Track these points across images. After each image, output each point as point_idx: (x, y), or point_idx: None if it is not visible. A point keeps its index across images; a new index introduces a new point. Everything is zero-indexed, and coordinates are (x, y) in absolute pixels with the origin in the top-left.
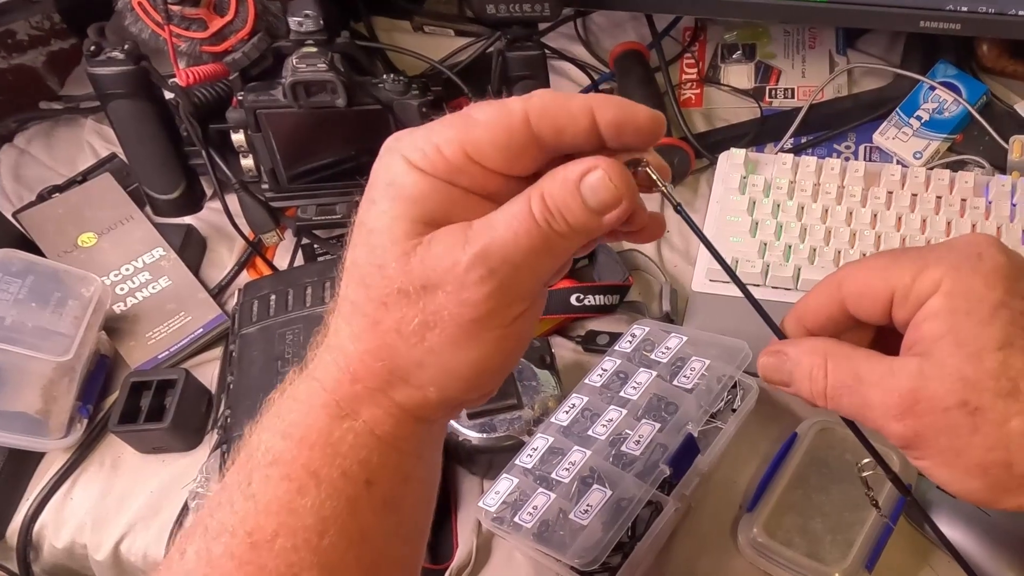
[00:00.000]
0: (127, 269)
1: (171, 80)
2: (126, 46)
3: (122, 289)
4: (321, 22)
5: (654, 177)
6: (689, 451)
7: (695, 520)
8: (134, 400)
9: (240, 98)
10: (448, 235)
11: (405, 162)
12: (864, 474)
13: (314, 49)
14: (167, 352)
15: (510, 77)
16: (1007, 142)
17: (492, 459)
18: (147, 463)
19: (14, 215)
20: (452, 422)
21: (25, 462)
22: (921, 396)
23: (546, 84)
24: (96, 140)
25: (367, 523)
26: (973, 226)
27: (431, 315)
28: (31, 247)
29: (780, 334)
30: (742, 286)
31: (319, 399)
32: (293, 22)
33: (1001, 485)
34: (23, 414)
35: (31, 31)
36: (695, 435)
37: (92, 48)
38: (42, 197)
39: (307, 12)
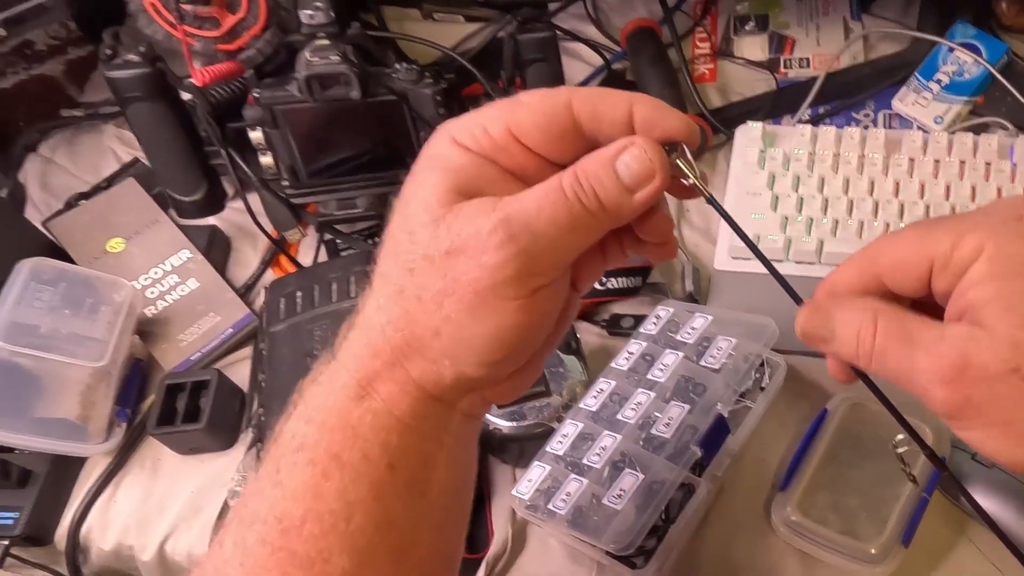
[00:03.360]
0: (156, 272)
1: (187, 80)
2: (141, 48)
3: (152, 292)
4: (332, 14)
5: (684, 168)
6: (719, 432)
7: (728, 501)
8: (170, 402)
9: (256, 95)
10: (478, 204)
11: (450, 139)
12: (899, 450)
13: (327, 42)
14: (199, 353)
15: (522, 61)
16: None
17: (523, 447)
18: (186, 463)
19: (44, 224)
20: None
21: (69, 467)
22: (971, 362)
23: (558, 66)
24: (118, 145)
25: (392, 508)
26: (999, 190)
27: (451, 281)
28: (62, 255)
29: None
30: (773, 269)
31: (340, 380)
32: (304, 15)
33: None
34: (64, 420)
35: (48, 41)
36: (725, 415)
37: (108, 52)
38: (69, 205)
39: (317, 4)
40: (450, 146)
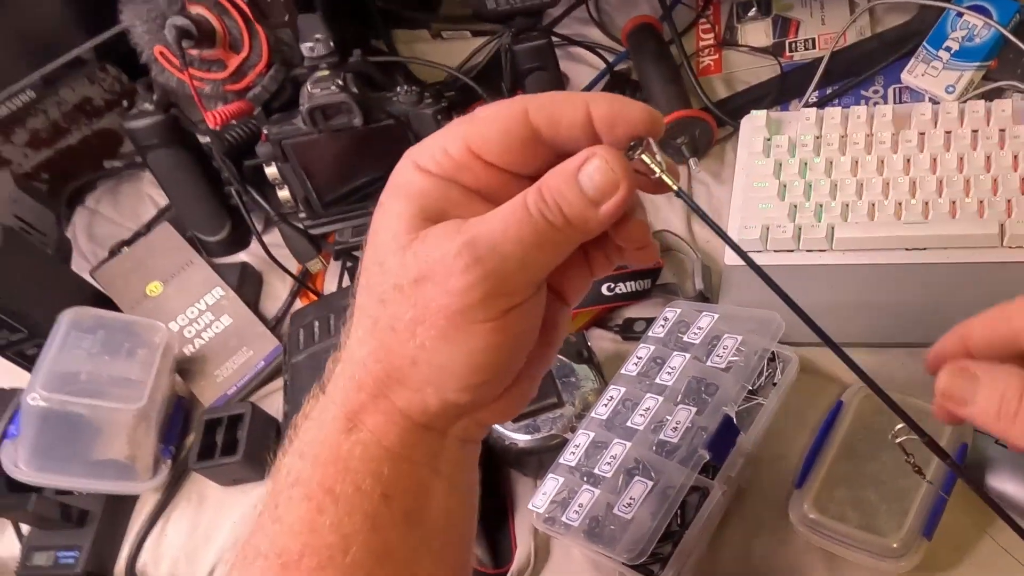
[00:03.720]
0: (192, 312)
1: (202, 124)
2: (155, 97)
3: (190, 332)
4: (332, 44)
5: (650, 163)
6: (728, 432)
7: (748, 501)
8: (209, 437)
9: (265, 131)
10: (443, 228)
11: (413, 164)
12: (898, 440)
13: (327, 72)
14: (235, 388)
15: (520, 70)
16: None
17: (541, 459)
18: (229, 495)
19: (91, 273)
20: (498, 426)
21: (122, 505)
22: None
23: (557, 73)
24: (155, 191)
25: (390, 538)
26: (1015, 157)
27: (422, 308)
28: (107, 302)
29: (811, 323)
30: (755, 266)
31: (329, 414)
32: (305, 48)
33: None
34: (114, 461)
35: (104, 95)
36: (732, 416)
37: (125, 103)
38: (113, 253)
39: (317, 36)
40: (413, 172)
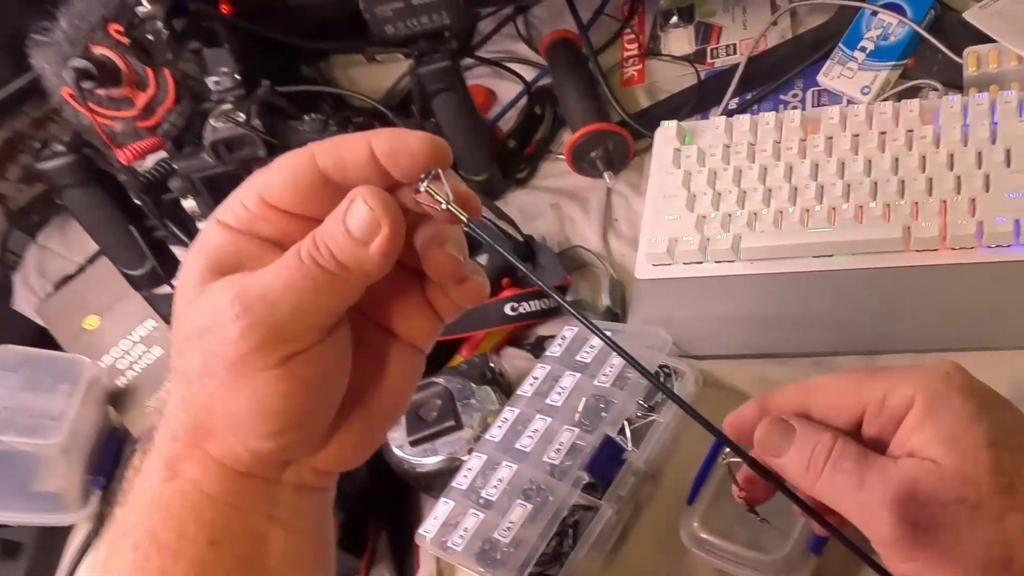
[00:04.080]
0: (125, 344)
1: (118, 161)
2: (66, 138)
3: (122, 364)
4: (237, 77)
5: (434, 195)
6: (610, 452)
7: (646, 519)
8: None
9: (176, 166)
10: (224, 281)
11: (215, 220)
12: (725, 462)
13: (230, 106)
14: None
15: (427, 93)
16: (962, 57)
17: (446, 482)
18: None
19: (36, 309)
20: (397, 450)
21: (55, 537)
22: (922, 488)
23: (464, 93)
24: None
25: None
26: (923, 158)
27: (207, 359)
28: (50, 337)
29: (645, 371)
30: (549, 291)
31: (153, 464)
32: (211, 82)
33: None
34: (42, 494)
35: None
36: (612, 435)
37: (38, 145)
38: (57, 287)
39: (223, 70)
40: (212, 227)
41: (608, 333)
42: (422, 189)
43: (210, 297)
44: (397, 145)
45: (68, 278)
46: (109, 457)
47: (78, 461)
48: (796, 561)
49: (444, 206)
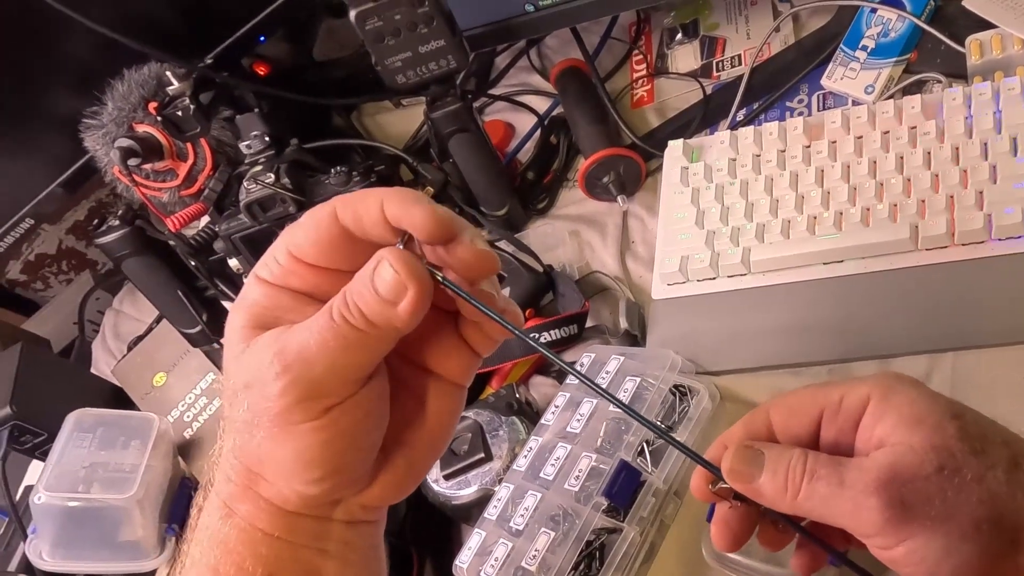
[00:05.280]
0: (190, 398)
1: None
2: (119, 211)
3: (188, 416)
4: (267, 139)
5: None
6: (627, 475)
7: (672, 537)
8: None
9: (218, 229)
10: (265, 337)
11: (254, 276)
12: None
13: (260, 167)
14: None
15: (442, 135)
16: (964, 46)
17: (481, 512)
18: None
19: (112, 371)
20: (434, 485)
21: None
22: (900, 469)
23: (478, 132)
24: None
25: None
26: (927, 154)
27: (252, 411)
28: (125, 396)
29: (618, 402)
30: (515, 330)
31: (212, 503)
32: (243, 146)
33: (994, 547)
34: (122, 543)
35: None
36: (627, 459)
37: (95, 221)
38: (130, 347)
39: (254, 133)
40: (252, 283)
41: (621, 357)
42: (400, 247)
43: (253, 354)
44: (400, 215)
45: (139, 339)
46: (181, 505)
47: (153, 511)
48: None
49: (436, 275)
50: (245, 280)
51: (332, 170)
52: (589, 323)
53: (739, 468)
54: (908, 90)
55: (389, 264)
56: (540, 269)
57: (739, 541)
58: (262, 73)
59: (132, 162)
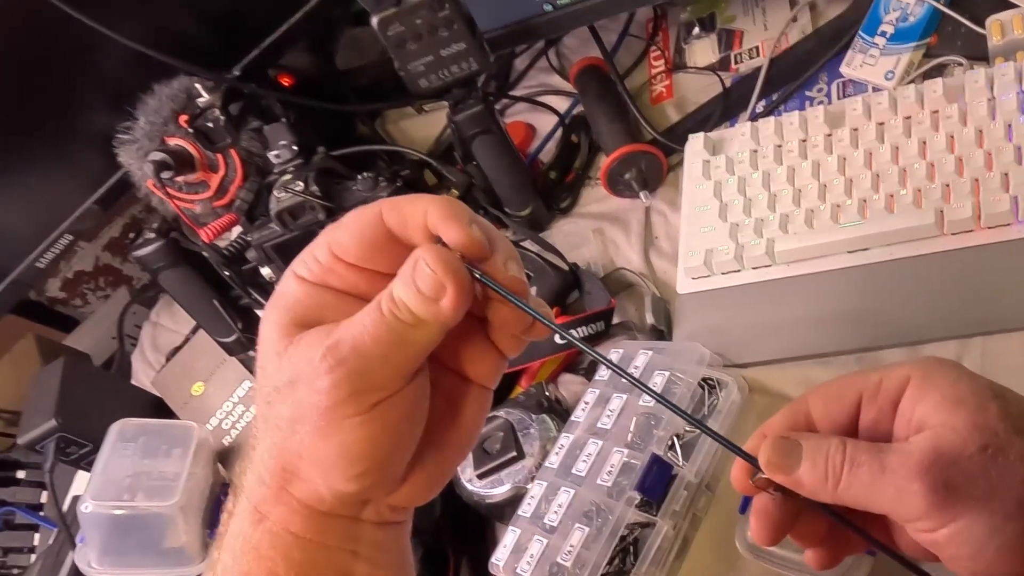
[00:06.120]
0: (227, 406)
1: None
2: (155, 224)
3: (227, 424)
4: (295, 148)
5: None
6: (659, 469)
7: (705, 530)
8: None
9: (249, 238)
10: (313, 334)
11: (291, 274)
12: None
13: (290, 176)
14: None
15: (465, 138)
16: (985, 27)
17: (515, 510)
18: None
19: (151, 382)
20: (467, 484)
21: None
22: (943, 450)
23: (500, 133)
24: None
25: None
26: (950, 137)
27: (297, 408)
28: (164, 406)
29: (606, 362)
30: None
31: (242, 509)
32: (272, 156)
33: None
34: (167, 550)
35: None
36: (659, 453)
37: (132, 235)
38: (168, 358)
39: (282, 143)
40: (289, 281)
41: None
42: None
43: (300, 351)
44: (441, 227)
45: (176, 350)
46: (222, 511)
47: (196, 517)
48: (851, 563)
49: (475, 274)
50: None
51: (359, 176)
52: (615, 320)
53: (777, 460)
54: (929, 74)
55: (426, 263)
56: (565, 268)
57: (780, 533)
58: (286, 83)
59: (165, 175)
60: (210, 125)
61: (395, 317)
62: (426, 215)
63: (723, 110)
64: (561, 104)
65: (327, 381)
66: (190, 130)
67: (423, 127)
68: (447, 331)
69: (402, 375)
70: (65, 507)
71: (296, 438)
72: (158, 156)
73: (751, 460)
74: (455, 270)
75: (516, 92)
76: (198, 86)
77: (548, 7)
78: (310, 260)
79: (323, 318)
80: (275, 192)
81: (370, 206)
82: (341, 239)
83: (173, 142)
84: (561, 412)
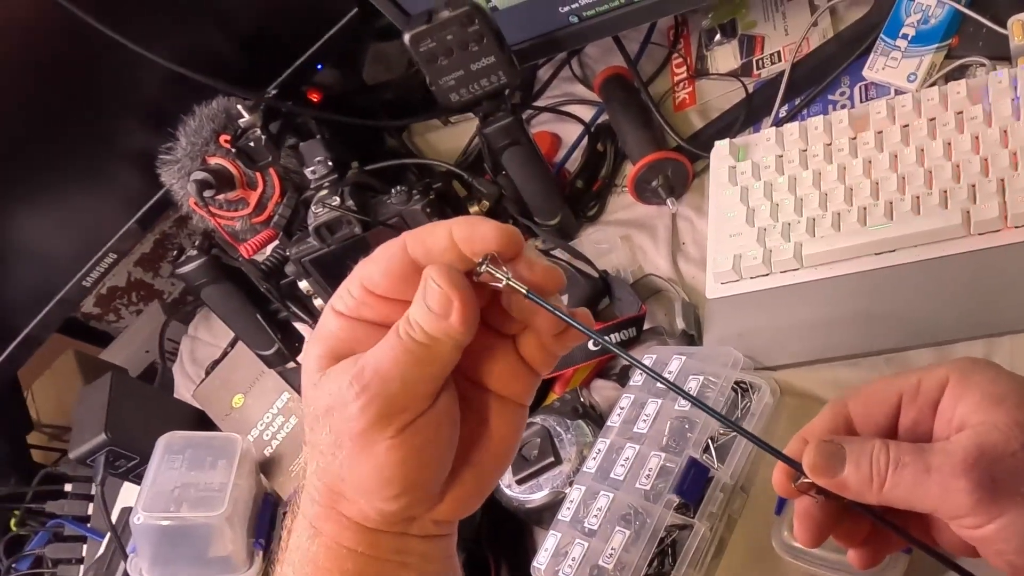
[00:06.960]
0: (267, 417)
1: (241, 256)
2: (196, 241)
3: (267, 435)
4: (330, 164)
5: (495, 273)
6: (696, 472)
7: (741, 531)
8: None
9: (288, 253)
10: (343, 364)
11: (330, 308)
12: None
13: (326, 191)
14: None
15: (494, 150)
16: (1007, 27)
17: (553, 514)
18: None
19: (192, 395)
20: (507, 490)
21: None
22: (987, 447)
23: (529, 144)
24: None
25: None
26: (975, 138)
27: (336, 434)
28: (206, 418)
29: (628, 359)
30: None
31: (299, 524)
32: (308, 172)
33: None
34: (214, 559)
35: None
36: (696, 456)
37: (175, 253)
38: (208, 372)
39: (317, 159)
40: (328, 316)
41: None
42: (482, 271)
43: (331, 380)
44: (469, 236)
45: (216, 363)
46: (266, 520)
47: (242, 527)
48: (887, 562)
49: (503, 284)
50: (316, 300)
51: (393, 190)
52: (646, 325)
53: (822, 463)
54: (951, 76)
55: (432, 280)
56: (595, 275)
57: (823, 535)
58: (315, 100)
59: (207, 193)
60: (252, 144)
61: (411, 338)
62: (451, 234)
63: (746, 116)
64: (585, 113)
65: (355, 407)
66: (231, 149)
67: (450, 139)
68: (462, 348)
69: (424, 395)
70: (113, 519)
71: (336, 462)
72: (200, 175)
73: (794, 465)
74: (459, 283)
75: (540, 102)
76: (239, 107)
77: (573, 19)
78: (345, 295)
79: (357, 349)
80: (313, 207)
81: (394, 241)
82: (371, 273)
83: (214, 161)
84: (595, 417)
